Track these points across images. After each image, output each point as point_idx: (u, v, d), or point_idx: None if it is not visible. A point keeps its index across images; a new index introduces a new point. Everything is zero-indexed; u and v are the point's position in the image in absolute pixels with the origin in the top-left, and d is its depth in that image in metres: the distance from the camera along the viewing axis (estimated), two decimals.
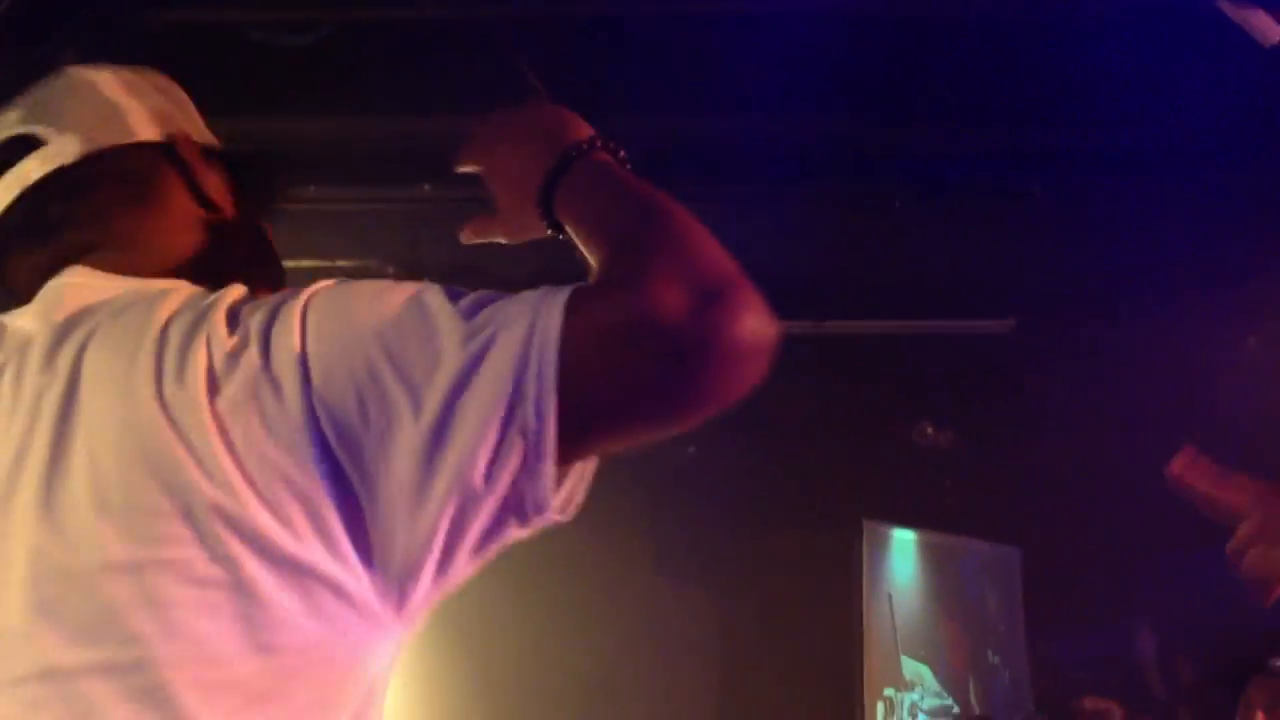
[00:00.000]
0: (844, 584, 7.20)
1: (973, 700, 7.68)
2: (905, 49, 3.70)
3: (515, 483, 0.99)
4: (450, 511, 0.98)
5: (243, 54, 3.38)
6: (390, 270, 4.44)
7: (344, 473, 0.99)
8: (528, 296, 1.05)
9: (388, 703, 1.15)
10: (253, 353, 1.03)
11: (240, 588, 0.98)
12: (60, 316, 1.15)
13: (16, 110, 1.28)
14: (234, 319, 1.08)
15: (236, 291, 1.13)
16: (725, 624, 6.06)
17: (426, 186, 4.06)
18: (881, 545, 7.58)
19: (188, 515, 0.98)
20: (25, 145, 1.23)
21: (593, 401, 1.00)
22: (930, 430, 6.40)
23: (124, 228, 1.26)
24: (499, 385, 0.99)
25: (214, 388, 1.02)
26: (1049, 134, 4.16)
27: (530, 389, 0.98)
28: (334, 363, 1.02)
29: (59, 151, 1.23)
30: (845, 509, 7.16)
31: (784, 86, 3.78)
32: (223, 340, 1.05)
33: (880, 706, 7.37)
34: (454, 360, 1.00)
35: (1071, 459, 6.50)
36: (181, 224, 1.30)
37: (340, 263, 4.48)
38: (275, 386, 1.02)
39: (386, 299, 1.06)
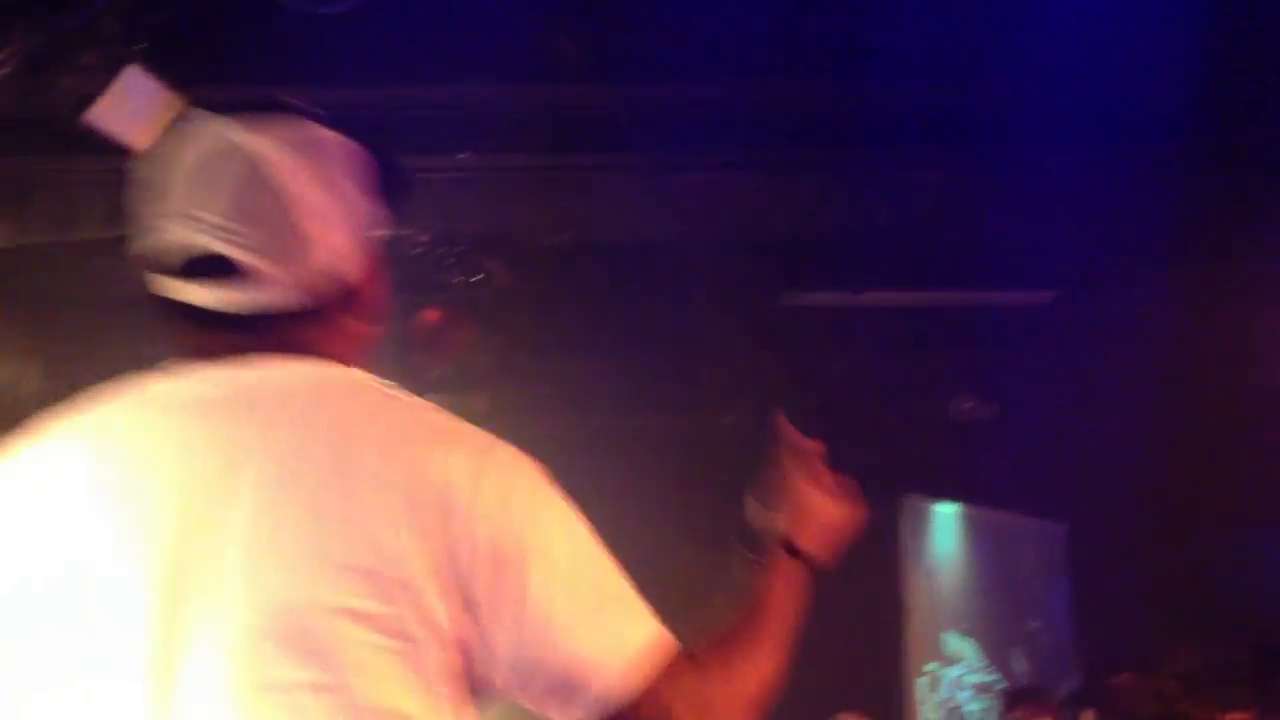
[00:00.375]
0: (885, 559, 7.18)
1: (1017, 675, 7.65)
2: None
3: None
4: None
5: (280, 22, 3.38)
6: (425, 238, 4.44)
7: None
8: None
9: None
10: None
11: (416, 644, 1.23)
12: (279, 394, 1.32)
13: (211, 199, 1.33)
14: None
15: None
16: None
17: (464, 154, 4.06)
18: (923, 520, 7.55)
19: (393, 584, 1.22)
20: (228, 266, 1.32)
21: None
22: (971, 403, 6.35)
23: (301, 335, 1.37)
24: None
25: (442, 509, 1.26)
26: (1094, 103, 4.11)
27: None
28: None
29: (276, 296, 1.34)
30: (885, 483, 7.11)
31: (822, 52, 3.76)
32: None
33: (924, 681, 7.36)
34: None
35: (1115, 432, 6.44)
36: (353, 336, 1.42)
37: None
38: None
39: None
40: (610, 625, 1.31)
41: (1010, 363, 5.95)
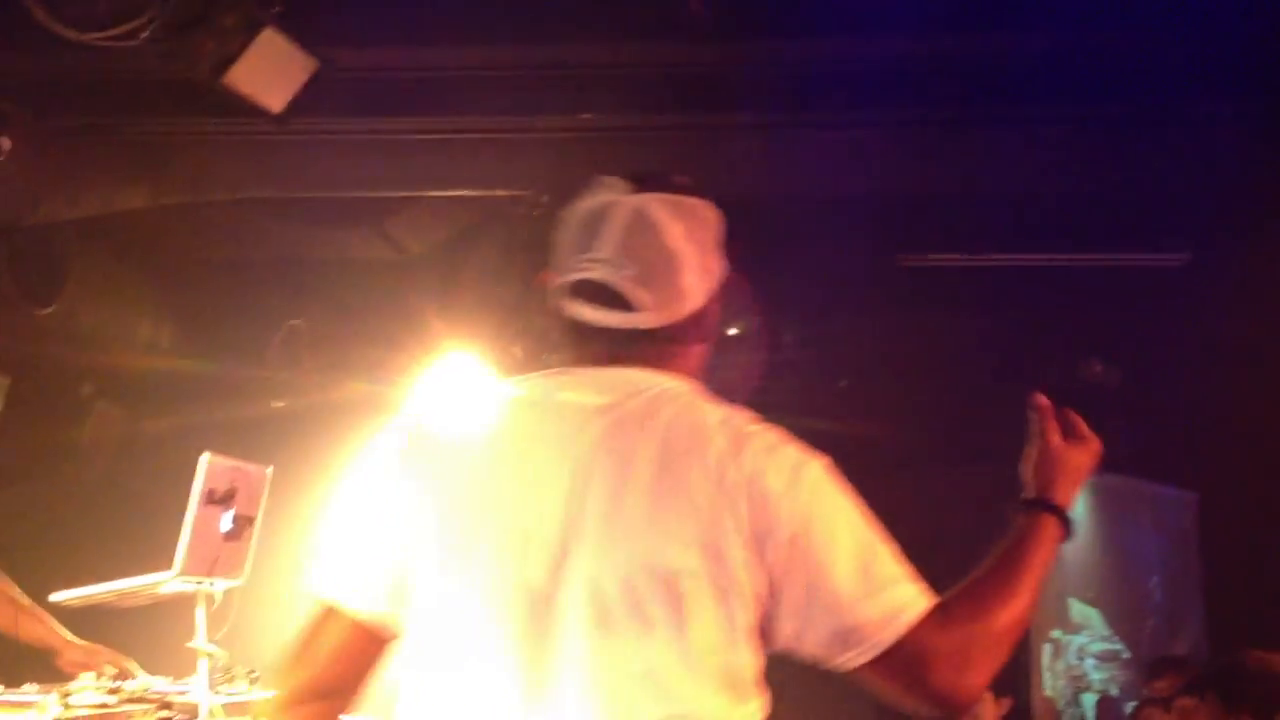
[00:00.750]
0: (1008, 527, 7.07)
1: (1142, 645, 7.52)
2: None
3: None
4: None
5: None
6: (545, 199, 4.45)
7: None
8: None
9: None
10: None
11: (729, 604, 1.59)
12: (639, 396, 1.71)
13: (621, 250, 1.73)
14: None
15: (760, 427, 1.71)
16: None
17: (587, 115, 4.06)
18: None
19: (713, 553, 1.59)
20: (624, 301, 1.72)
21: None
22: (1099, 367, 6.20)
23: (659, 351, 1.77)
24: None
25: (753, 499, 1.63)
26: (1236, 51, 3.95)
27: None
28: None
29: (647, 319, 1.74)
30: (1010, 447, 7.00)
31: (947, 6, 3.68)
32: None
33: (1047, 649, 7.28)
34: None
35: (1248, 399, 6.25)
36: (696, 355, 1.82)
37: (498, 191, 4.52)
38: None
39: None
40: (879, 591, 1.63)
41: (1142, 327, 5.80)
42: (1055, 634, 7.35)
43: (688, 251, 1.73)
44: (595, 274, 1.71)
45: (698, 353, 1.81)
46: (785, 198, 4.62)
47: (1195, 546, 7.83)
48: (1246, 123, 4.22)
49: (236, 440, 4.02)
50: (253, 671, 3.59)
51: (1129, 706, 6.42)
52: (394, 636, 1.70)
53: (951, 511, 5.89)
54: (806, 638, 1.62)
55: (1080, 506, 6.63)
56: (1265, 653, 4.54)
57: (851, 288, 5.38)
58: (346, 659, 1.72)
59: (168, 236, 4.94)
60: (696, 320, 1.76)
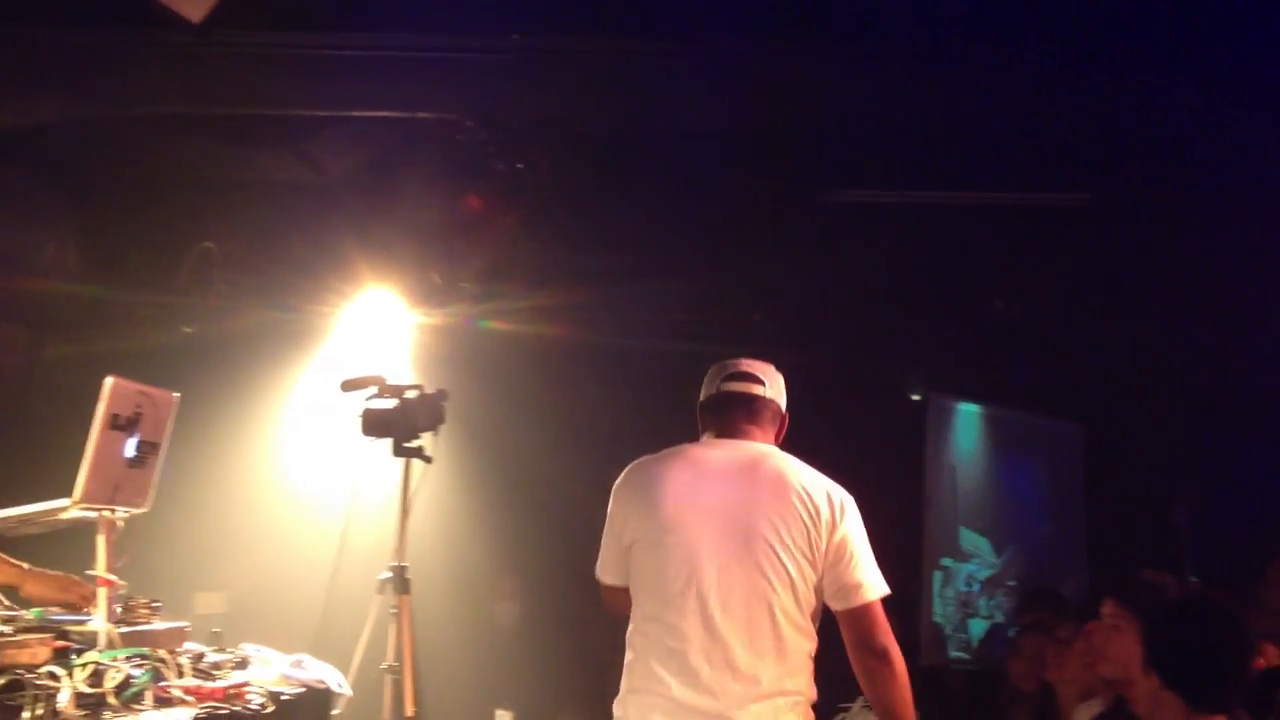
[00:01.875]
0: (908, 455, 7.28)
1: (1027, 574, 7.79)
2: None
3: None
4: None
5: None
6: (470, 123, 4.42)
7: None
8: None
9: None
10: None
11: (798, 589, 3.14)
12: (752, 451, 3.30)
13: (751, 364, 3.46)
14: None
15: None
16: None
17: (516, 35, 4.02)
18: (946, 418, 7.64)
19: (795, 552, 3.14)
20: (759, 381, 3.41)
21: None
22: (1000, 304, 6.38)
23: (771, 431, 3.40)
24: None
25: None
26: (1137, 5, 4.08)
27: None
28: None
29: (765, 393, 3.41)
30: (913, 381, 7.19)
31: None
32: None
33: (937, 575, 7.51)
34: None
35: (1137, 335, 6.48)
36: (777, 441, 3.42)
37: (421, 114, 4.47)
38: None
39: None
40: (875, 576, 3.17)
41: (1042, 266, 5.97)
42: (946, 562, 7.56)
43: (775, 385, 3.43)
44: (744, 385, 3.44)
45: (779, 435, 3.39)
46: (717, 126, 4.65)
47: (1081, 477, 8.13)
48: (1146, 68, 4.35)
49: (145, 366, 3.89)
50: (154, 601, 3.53)
51: (1012, 633, 6.66)
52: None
53: (859, 436, 6.04)
54: (830, 600, 3.15)
55: (974, 438, 6.86)
56: (1152, 572, 4.79)
57: (766, 221, 5.45)
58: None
59: (78, 155, 4.79)
60: (779, 415, 3.41)
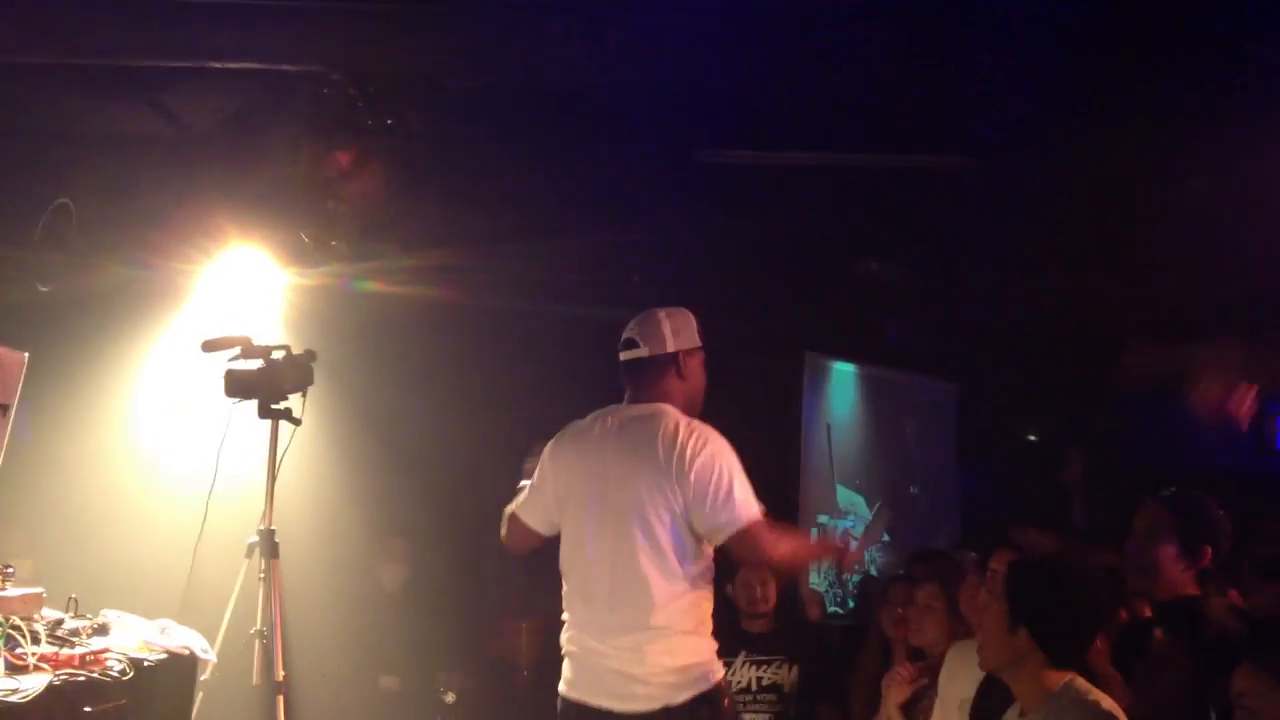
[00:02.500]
0: (784, 414, 7.36)
1: (903, 532, 7.94)
2: None
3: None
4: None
5: None
6: (336, 77, 4.31)
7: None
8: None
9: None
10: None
11: (674, 520, 3.52)
12: (635, 412, 3.69)
13: (634, 325, 3.73)
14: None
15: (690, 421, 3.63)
16: None
17: None
18: (822, 377, 7.72)
19: (668, 491, 3.52)
20: (634, 344, 3.70)
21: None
22: (875, 264, 6.45)
23: (657, 385, 3.68)
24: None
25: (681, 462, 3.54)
26: None
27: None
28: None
29: (641, 353, 3.70)
30: (788, 340, 7.24)
31: None
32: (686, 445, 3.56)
33: (814, 532, 7.60)
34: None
35: (1009, 295, 6.60)
36: (676, 386, 3.68)
37: (285, 66, 4.35)
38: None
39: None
40: (741, 504, 3.46)
41: (917, 227, 6.04)
42: (822, 519, 7.67)
43: (672, 328, 3.67)
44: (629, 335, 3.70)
45: (677, 385, 3.67)
46: (595, 84, 4.60)
47: (954, 435, 8.30)
48: (1025, 30, 4.39)
49: None
50: (7, 567, 3.41)
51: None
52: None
53: (736, 396, 6.06)
54: (706, 531, 3.49)
55: (850, 397, 6.92)
56: (1031, 529, 4.88)
57: (643, 181, 5.42)
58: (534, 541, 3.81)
59: None
60: (676, 363, 3.67)
